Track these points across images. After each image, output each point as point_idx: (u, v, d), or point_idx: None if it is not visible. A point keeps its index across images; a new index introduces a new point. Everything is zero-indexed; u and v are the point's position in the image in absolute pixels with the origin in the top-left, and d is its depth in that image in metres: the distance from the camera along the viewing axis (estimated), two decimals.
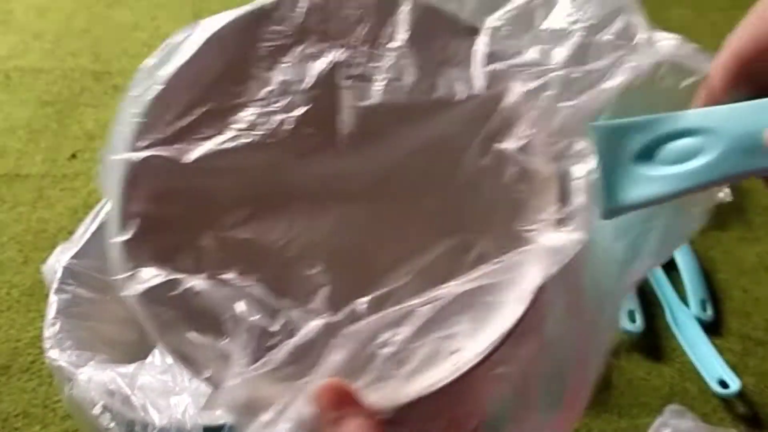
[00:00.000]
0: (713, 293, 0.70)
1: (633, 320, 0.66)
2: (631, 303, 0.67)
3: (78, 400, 0.47)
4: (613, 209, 0.25)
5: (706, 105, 0.27)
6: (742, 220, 0.79)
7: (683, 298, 0.69)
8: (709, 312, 0.68)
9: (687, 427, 0.55)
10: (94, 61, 0.97)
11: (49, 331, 0.52)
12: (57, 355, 0.50)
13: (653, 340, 0.66)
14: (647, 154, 0.26)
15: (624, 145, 0.25)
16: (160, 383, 0.48)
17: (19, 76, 0.93)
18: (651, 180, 0.25)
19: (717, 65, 0.29)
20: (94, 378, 0.48)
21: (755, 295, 0.70)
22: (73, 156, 0.83)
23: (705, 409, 0.61)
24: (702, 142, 0.25)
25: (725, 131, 0.25)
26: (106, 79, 0.94)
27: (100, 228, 0.59)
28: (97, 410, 0.47)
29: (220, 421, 0.47)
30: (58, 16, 1.05)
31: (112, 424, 0.46)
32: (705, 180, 0.25)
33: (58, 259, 0.57)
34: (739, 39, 0.29)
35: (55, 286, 0.56)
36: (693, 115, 0.26)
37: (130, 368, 0.49)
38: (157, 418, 0.46)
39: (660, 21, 1.16)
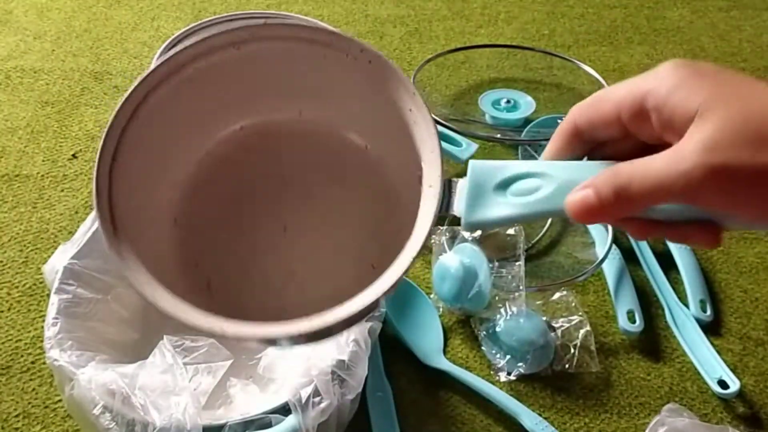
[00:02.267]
0: (713, 293, 0.70)
1: (633, 320, 0.66)
2: (631, 303, 0.68)
3: (78, 400, 0.47)
4: (471, 223, 0.34)
5: (550, 156, 0.36)
6: None
7: (683, 299, 0.69)
8: (709, 312, 0.68)
9: (683, 425, 0.55)
10: (94, 62, 0.97)
11: (50, 331, 0.52)
12: (57, 355, 0.50)
13: (653, 340, 0.66)
14: (504, 187, 0.34)
15: (489, 179, 0.34)
16: (160, 383, 0.48)
17: (19, 77, 0.93)
18: (502, 206, 0.34)
19: (559, 129, 0.36)
20: (94, 378, 0.48)
21: (755, 295, 0.70)
22: (74, 156, 0.83)
23: (705, 409, 0.61)
24: (541, 183, 0.34)
25: (556, 178, 0.33)
26: (106, 79, 0.94)
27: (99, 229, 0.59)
28: (97, 410, 0.47)
29: (221, 421, 0.47)
30: (58, 16, 1.05)
31: (113, 425, 0.46)
32: (538, 210, 0.34)
33: (59, 260, 0.57)
34: (579, 112, 0.35)
35: (55, 286, 0.56)
36: (538, 163, 0.35)
37: (130, 368, 0.49)
38: (157, 418, 0.46)
39: (660, 21, 1.17)
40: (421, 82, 0.94)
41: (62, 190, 0.79)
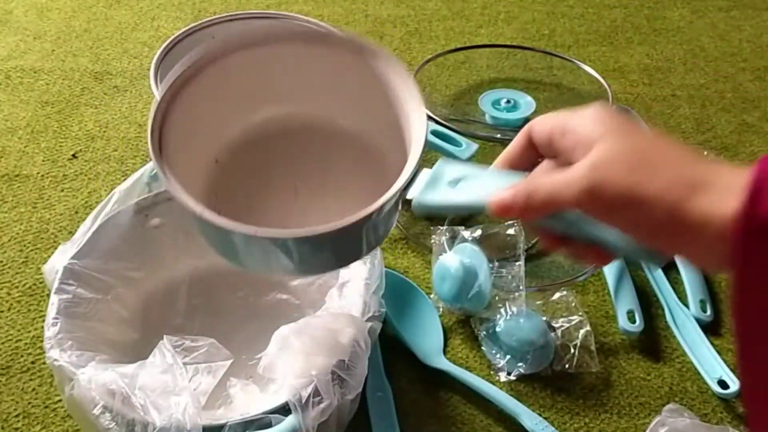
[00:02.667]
0: (713, 293, 0.70)
1: (633, 320, 0.66)
2: (631, 303, 0.68)
3: (78, 400, 0.47)
4: (418, 203, 0.41)
5: (504, 162, 0.41)
6: None
7: (683, 299, 0.69)
8: (709, 312, 0.68)
9: (684, 425, 0.55)
10: (94, 61, 0.97)
11: (50, 331, 0.52)
12: (57, 355, 0.50)
13: (653, 341, 0.66)
14: (454, 183, 0.41)
15: (446, 174, 0.41)
16: (160, 383, 0.48)
17: (19, 77, 0.93)
18: (444, 195, 0.40)
19: (513, 141, 0.41)
20: (94, 378, 0.48)
21: None
22: (74, 156, 0.83)
23: (705, 409, 0.61)
24: (480, 183, 0.40)
25: (492, 180, 0.40)
26: (106, 79, 0.94)
27: (101, 228, 0.59)
28: (97, 410, 0.47)
29: (221, 421, 0.47)
30: (58, 16, 1.05)
31: (113, 425, 0.46)
32: (467, 201, 0.40)
33: (59, 260, 0.57)
34: (536, 125, 0.39)
35: (55, 286, 0.56)
36: (486, 170, 0.41)
37: (130, 368, 0.49)
38: (157, 418, 0.46)
39: (660, 21, 1.17)
40: (421, 82, 0.94)
41: (62, 190, 0.79)
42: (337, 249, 0.44)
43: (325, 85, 0.49)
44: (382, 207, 0.40)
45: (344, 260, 0.47)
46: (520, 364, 0.62)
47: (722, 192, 0.32)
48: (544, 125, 0.39)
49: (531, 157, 0.40)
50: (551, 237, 0.39)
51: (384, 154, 0.49)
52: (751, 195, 0.31)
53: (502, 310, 0.65)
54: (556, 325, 0.65)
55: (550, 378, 0.63)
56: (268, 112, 0.51)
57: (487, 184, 0.39)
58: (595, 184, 0.34)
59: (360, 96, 0.48)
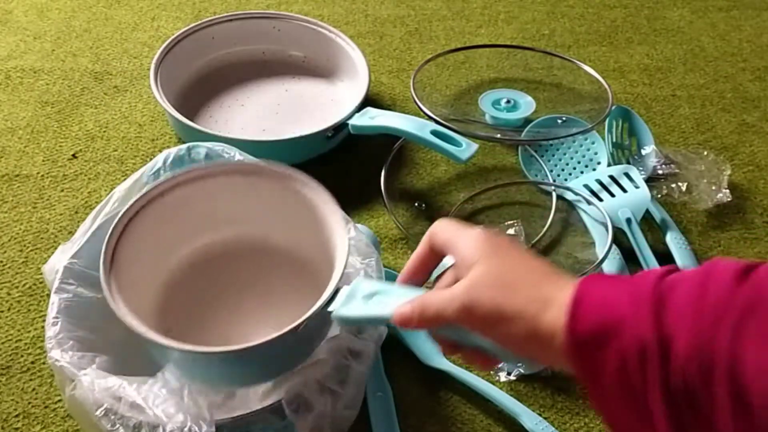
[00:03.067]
0: None
1: None
2: None
3: (80, 401, 0.47)
4: (335, 316, 0.46)
5: (405, 277, 0.47)
6: (742, 220, 0.79)
7: None
8: None
9: None
10: (94, 62, 0.97)
11: (51, 331, 0.52)
12: (58, 356, 0.50)
13: None
14: (369, 297, 0.46)
15: (361, 290, 0.46)
16: (169, 395, 0.48)
17: (19, 76, 0.93)
18: (358, 309, 0.45)
19: (419, 246, 0.46)
20: (97, 381, 0.48)
21: None
22: (74, 156, 0.83)
23: None
24: (388, 298, 0.45)
25: (397, 295, 0.45)
26: (106, 79, 0.94)
27: (101, 228, 0.59)
28: (100, 412, 0.46)
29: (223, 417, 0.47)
30: (58, 16, 1.05)
31: (117, 426, 0.46)
32: (377, 315, 0.45)
33: (59, 259, 0.57)
34: (435, 235, 0.45)
35: (55, 285, 0.56)
36: (393, 286, 0.46)
37: (137, 380, 0.49)
38: (167, 421, 0.46)
39: (660, 21, 1.16)
40: (421, 82, 0.94)
41: (62, 190, 0.79)
42: (265, 362, 0.50)
43: (262, 209, 0.58)
44: (298, 326, 0.46)
45: (276, 372, 0.51)
46: (520, 364, 0.62)
47: (560, 309, 0.36)
48: (440, 237, 0.44)
49: (434, 263, 0.46)
50: (447, 343, 0.44)
51: (317, 266, 0.55)
52: (571, 313, 0.35)
53: None
54: None
55: (550, 378, 0.63)
56: (211, 236, 0.60)
57: (394, 300, 0.44)
58: (469, 303, 0.39)
59: (292, 217, 0.56)
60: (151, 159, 0.65)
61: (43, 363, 0.63)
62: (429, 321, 0.42)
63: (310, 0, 1.11)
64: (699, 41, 1.07)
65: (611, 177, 0.79)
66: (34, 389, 0.61)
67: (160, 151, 0.65)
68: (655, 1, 1.15)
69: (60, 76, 0.94)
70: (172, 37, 0.89)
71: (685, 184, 0.79)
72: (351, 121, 0.79)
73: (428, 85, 0.95)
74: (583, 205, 0.77)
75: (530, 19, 1.10)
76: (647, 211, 0.76)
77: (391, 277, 0.66)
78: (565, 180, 0.82)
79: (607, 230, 0.72)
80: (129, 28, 1.04)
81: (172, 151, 0.64)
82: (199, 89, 0.91)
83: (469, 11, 1.11)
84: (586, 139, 0.84)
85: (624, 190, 0.77)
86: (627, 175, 0.78)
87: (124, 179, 0.63)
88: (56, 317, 0.53)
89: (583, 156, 0.83)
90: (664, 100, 0.96)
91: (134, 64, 0.97)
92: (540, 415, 0.59)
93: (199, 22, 0.92)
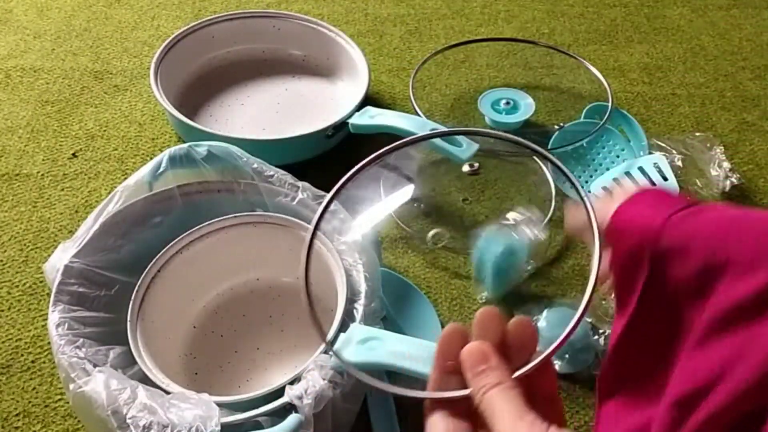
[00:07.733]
0: None
1: None
2: None
3: (88, 398, 0.47)
4: (335, 352, 0.46)
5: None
6: None
7: None
8: None
9: None
10: (94, 61, 0.97)
11: (54, 329, 0.52)
12: (63, 353, 0.50)
13: None
14: (363, 342, 0.46)
15: (357, 336, 0.46)
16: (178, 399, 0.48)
17: (19, 76, 0.93)
18: (352, 353, 0.45)
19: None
20: (104, 380, 0.48)
21: None
22: (74, 155, 0.83)
23: None
24: (380, 344, 0.46)
25: (389, 345, 0.46)
26: (106, 78, 0.94)
27: (101, 227, 0.59)
28: (107, 412, 0.46)
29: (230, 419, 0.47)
30: (58, 16, 1.05)
31: (126, 425, 0.46)
32: (370, 361, 0.45)
33: (60, 258, 0.57)
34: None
35: (57, 284, 0.56)
36: (381, 332, 0.46)
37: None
38: (176, 422, 0.46)
39: (660, 20, 1.16)
40: (421, 81, 0.94)
41: (62, 189, 0.79)
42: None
43: (272, 255, 0.64)
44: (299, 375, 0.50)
45: None
46: (557, 362, 0.62)
47: None
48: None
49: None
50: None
51: (327, 303, 0.58)
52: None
53: (545, 308, 0.65)
54: (602, 331, 0.64)
55: None
56: (229, 282, 0.65)
57: (385, 349, 0.46)
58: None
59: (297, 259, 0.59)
60: (151, 158, 0.65)
61: (43, 362, 0.63)
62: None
63: None
64: (699, 40, 1.07)
65: (640, 168, 0.78)
66: (34, 388, 0.61)
67: (161, 150, 0.65)
68: (655, 0, 1.15)
69: (60, 75, 0.94)
70: (172, 36, 0.89)
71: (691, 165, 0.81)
72: (351, 120, 0.79)
73: (428, 84, 0.95)
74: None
75: (530, 17, 1.10)
76: None
77: (391, 277, 0.66)
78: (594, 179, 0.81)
79: None
80: (129, 27, 1.04)
81: (174, 150, 0.64)
82: (199, 88, 0.91)
83: (469, 10, 1.11)
84: (602, 136, 0.83)
85: (653, 183, 0.77)
86: (656, 165, 0.78)
87: (125, 178, 0.63)
88: (59, 315, 0.53)
89: (609, 152, 0.83)
90: (664, 98, 0.96)
91: (134, 63, 0.97)
92: None
93: (199, 21, 0.92)
